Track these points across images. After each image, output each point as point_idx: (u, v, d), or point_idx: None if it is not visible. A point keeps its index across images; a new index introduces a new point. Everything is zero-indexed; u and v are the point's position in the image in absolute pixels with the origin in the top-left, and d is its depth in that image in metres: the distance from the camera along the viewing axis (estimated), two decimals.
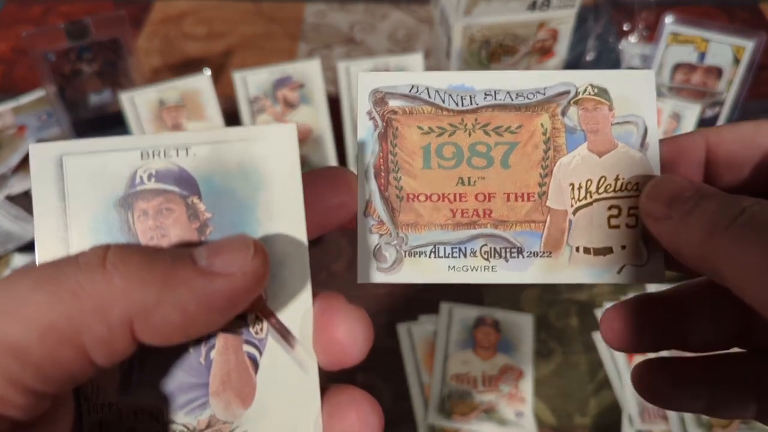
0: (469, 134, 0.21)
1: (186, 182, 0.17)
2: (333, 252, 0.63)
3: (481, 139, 0.21)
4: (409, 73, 0.21)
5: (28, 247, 0.62)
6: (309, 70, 0.64)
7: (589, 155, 0.21)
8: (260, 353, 0.18)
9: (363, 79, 0.21)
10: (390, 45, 0.86)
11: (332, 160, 0.66)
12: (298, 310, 0.18)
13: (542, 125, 0.21)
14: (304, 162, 0.67)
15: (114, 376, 0.17)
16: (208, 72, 0.62)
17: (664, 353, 0.23)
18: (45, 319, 0.15)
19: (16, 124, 0.74)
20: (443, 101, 0.21)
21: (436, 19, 0.67)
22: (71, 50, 0.62)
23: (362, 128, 0.21)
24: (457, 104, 0.21)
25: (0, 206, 0.65)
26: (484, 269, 0.21)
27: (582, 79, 0.22)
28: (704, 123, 0.66)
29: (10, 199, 0.67)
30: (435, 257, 0.20)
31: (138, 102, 0.60)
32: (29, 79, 0.80)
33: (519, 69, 0.66)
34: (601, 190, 0.21)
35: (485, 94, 0.21)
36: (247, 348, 0.18)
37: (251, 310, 0.18)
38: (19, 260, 0.59)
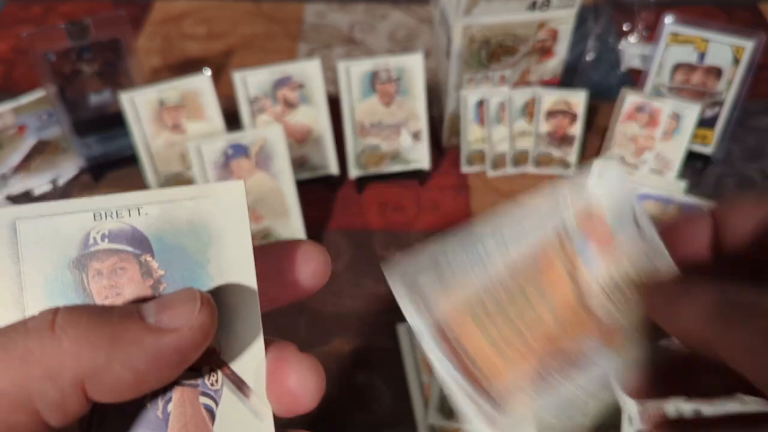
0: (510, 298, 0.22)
1: (138, 241, 0.18)
2: (333, 252, 0.63)
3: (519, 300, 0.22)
4: (425, 250, 0.22)
5: None
6: (309, 70, 0.64)
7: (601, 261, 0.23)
8: (216, 404, 0.18)
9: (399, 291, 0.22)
10: (390, 45, 0.86)
11: (332, 160, 0.67)
12: (252, 361, 0.18)
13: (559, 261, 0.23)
14: (304, 162, 0.67)
15: None
16: (208, 72, 0.62)
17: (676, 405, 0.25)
18: None
19: (16, 124, 0.74)
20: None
21: (436, 19, 0.67)
22: (71, 50, 0.62)
23: (430, 353, 0.22)
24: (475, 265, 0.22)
25: (0, 206, 0.65)
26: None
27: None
28: (704, 123, 0.66)
29: (11, 199, 0.67)
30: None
31: (138, 102, 0.60)
32: (29, 79, 0.80)
33: (519, 69, 0.66)
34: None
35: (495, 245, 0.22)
36: (203, 399, 0.18)
37: (206, 362, 0.18)
38: None
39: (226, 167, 0.57)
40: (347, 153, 0.65)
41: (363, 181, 0.68)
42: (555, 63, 0.66)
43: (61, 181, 0.69)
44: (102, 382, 0.16)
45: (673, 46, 0.65)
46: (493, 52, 0.63)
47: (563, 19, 0.62)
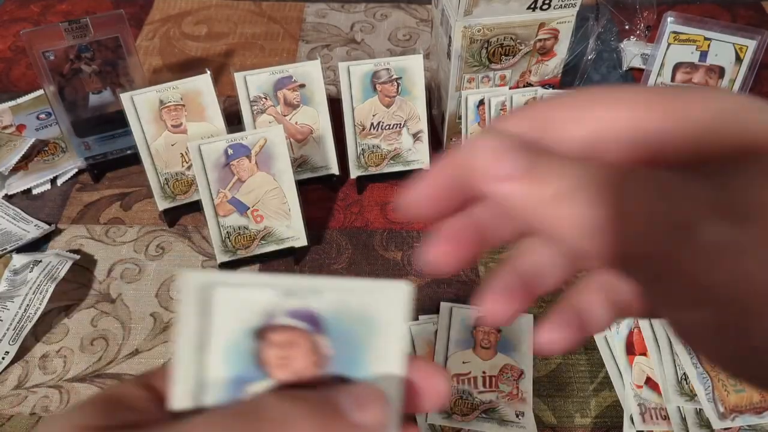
0: None
1: (315, 321, 0.20)
2: (333, 252, 0.63)
3: None
4: None
5: (27, 247, 0.62)
6: (309, 70, 0.64)
7: None
8: None
9: None
10: (390, 45, 0.86)
11: (333, 160, 0.66)
12: None
13: None
14: (305, 162, 0.66)
15: None
16: (208, 72, 0.62)
17: None
18: None
19: (14, 124, 0.73)
20: None
21: (437, 19, 0.67)
22: (70, 49, 0.62)
23: None
24: None
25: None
26: None
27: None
28: None
29: (9, 199, 0.67)
30: None
31: (138, 102, 0.60)
32: (28, 79, 0.80)
33: (519, 69, 0.65)
34: None
35: None
36: None
37: None
38: (17, 260, 0.59)
39: (226, 167, 0.57)
40: (348, 153, 0.65)
41: (363, 181, 0.68)
42: (555, 63, 0.66)
43: (60, 181, 0.69)
44: None
45: (674, 45, 0.65)
46: (493, 52, 0.63)
47: (564, 18, 0.61)
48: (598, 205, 0.16)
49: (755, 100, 0.18)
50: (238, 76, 0.62)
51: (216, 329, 0.20)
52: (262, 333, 0.20)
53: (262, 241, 0.59)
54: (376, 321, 0.20)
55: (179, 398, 0.19)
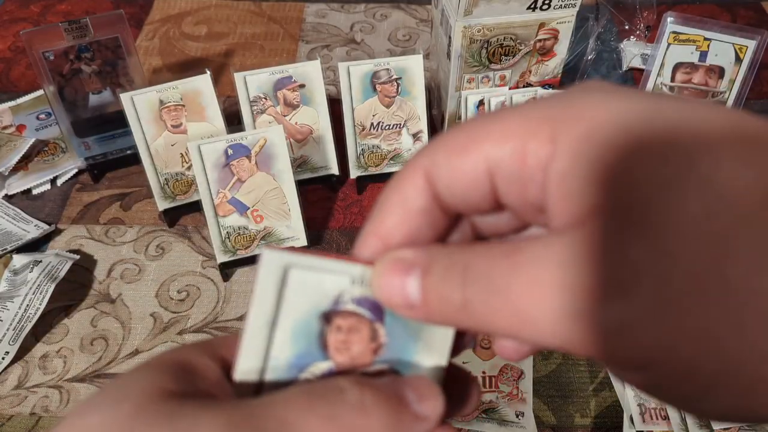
0: None
1: (376, 310, 0.21)
2: (333, 252, 0.63)
3: None
4: None
5: (27, 248, 0.62)
6: (309, 70, 0.64)
7: None
8: None
9: None
10: (390, 45, 0.86)
11: (332, 161, 0.66)
12: None
13: None
14: (305, 162, 0.66)
15: None
16: (208, 72, 0.62)
17: None
18: None
19: (14, 124, 0.73)
20: None
21: (437, 19, 0.67)
22: (70, 49, 0.62)
23: None
24: None
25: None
26: None
27: None
28: None
29: (9, 199, 0.67)
30: None
31: (138, 102, 0.60)
32: (28, 79, 0.80)
33: (519, 69, 0.65)
34: None
35: None
36: None
37: None
38: (17, 260, 0.59)
39: (226, 167, 0.57)
40: (347, 153, 0.65)
41: (363, 182, 0.68)
42: (555, 63, 0.66)
43: (60, 181, 0.69)
44: None
45: (674, 45, 0.65)
46: (493, 52, 0.63)
47: (563, 18, 0.61)
48: (494, 297, 0.16)
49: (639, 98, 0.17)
50: (238, 77, 0.62)
51: (287, 308, 0.20)
52: (329, 316, 0.21)
53: (262, 242, 0.59)
54: None
55: (244, 371, 0.20)
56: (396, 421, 0.19)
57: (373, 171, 0.66)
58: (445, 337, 0.21)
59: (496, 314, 0.16)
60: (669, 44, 0.65)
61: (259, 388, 0.20)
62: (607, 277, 0.15)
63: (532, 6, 0.59)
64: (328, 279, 0.20)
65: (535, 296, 0.16)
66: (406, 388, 0.20)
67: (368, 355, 0.21)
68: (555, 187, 0.17)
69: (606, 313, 0.15)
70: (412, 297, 0.18)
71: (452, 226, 0.21)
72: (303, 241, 0.60)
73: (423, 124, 0.65)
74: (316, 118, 0.65)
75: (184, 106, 0.62)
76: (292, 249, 0.21)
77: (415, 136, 0.66)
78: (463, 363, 0.54)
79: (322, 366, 0.21)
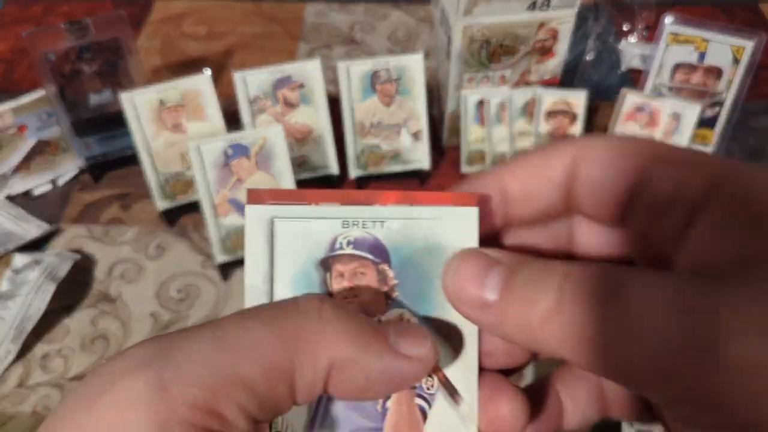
0: None
1: (379, 251, 0.20)
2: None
3: None
4: None
5: (28, 247, 0.62)
6: (309, 70, 0.64)
7: None
8: (429, 406, 0.20)
9: None
10: (390, 45, 0.86)
11: (332, 160, 0.66)
12: (465, 372, 0.20)
13: None
14: (305, 162, 0.67)
15: (302, 414, 0.20)
16: (208, 72, 0.62)
17: None
18: (269, 359, 0.16)
19: (16, 124, 0.74)
20: None
21: (436, 19, 0.67)
22: (71, 50, 0.62)
23: None
24: None
25: (0, 206, 0.65)
26: None
27: None
28: (704, 123, 0.66)
29: (10, 199, 0.67)
30: None
31: (138, 102, 0.60)
32: (29, 79, 0.80)
33: (519, 69, 0.66)
34: None
35: None
36: (418, 401, 0.20)
37: None
38: (19, 260, 0.59)
39: (226, 167, 0.57)
40: (347, 153, 0.65)
41: (363, 181, 0.68)
42: (555, 63, 0.66)
43: (61, 181, 0.69)
44: (342, 376, 0.17)
45: (673, 46, 0.65)
46: (493, 52, 0.63)
47: (563, 18, 0.62)
48: (593, 317, 0.15)
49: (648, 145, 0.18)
50: (237, 76, 0.62)
51: (282, 261, 0.19)
52: (327, 263, 0.20)
53: None
54: (442, 249, 0.19)
55: None
56: (357, 342, 0.17)
57: (372, 171, 0.67)
58: None
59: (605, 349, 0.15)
60: (668, 45, 0.65)
61: None
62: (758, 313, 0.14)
63: (532, 6, 0.59)
64: (318, 225, 0.19)
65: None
66: (388, 326, 0.18)
67: (381, 302, 0.20)
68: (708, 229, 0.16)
69: (742, 346, 0.14)
70: (489, 294, 0.17)
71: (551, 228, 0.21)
72: None
73: (423, 124, 0.66)
74: (315, 117, 0.65)
75: (184, 106, 0.62)
76: (277, 191, 0.19)
77: (415, 136, 0.66)
78: None
79: None
